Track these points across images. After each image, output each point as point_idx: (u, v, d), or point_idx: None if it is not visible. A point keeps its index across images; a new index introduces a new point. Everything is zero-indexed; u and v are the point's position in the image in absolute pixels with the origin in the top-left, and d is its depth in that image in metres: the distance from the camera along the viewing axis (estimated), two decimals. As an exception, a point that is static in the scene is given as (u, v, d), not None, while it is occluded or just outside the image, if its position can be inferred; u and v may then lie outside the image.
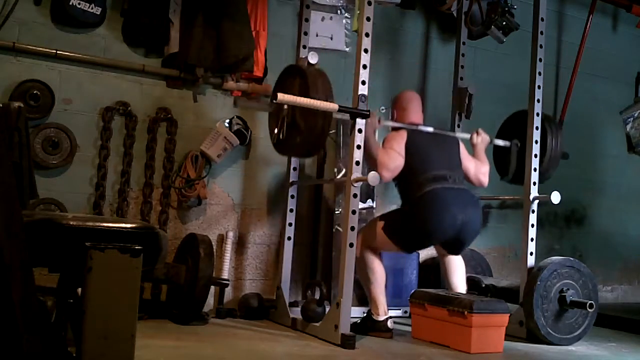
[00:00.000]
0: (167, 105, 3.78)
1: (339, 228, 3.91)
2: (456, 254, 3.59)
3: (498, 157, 4.16)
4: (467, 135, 3.90)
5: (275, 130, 3.28)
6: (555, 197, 3.57)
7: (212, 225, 3.90)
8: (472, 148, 3.84)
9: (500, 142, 4.02)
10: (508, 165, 3.99)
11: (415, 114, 3.70)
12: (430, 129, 3.65)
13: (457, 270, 3.61)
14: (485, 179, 3.76)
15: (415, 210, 3.41)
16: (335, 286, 3.82)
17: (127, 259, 1.59)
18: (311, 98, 3.11)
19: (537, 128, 3.71)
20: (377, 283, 3.43)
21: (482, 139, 3.85)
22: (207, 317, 3.50)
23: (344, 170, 3.55)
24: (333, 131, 4.19)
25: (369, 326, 3.38)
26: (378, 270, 3.44)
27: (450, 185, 3.45)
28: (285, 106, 3.19)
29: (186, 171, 3.75)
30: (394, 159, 3.43)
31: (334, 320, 3.07)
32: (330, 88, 3.23)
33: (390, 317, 3.41)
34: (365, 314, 3.47)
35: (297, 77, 3.30)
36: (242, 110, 3.97)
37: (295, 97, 3.10)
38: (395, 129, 3.62)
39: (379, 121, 3.54)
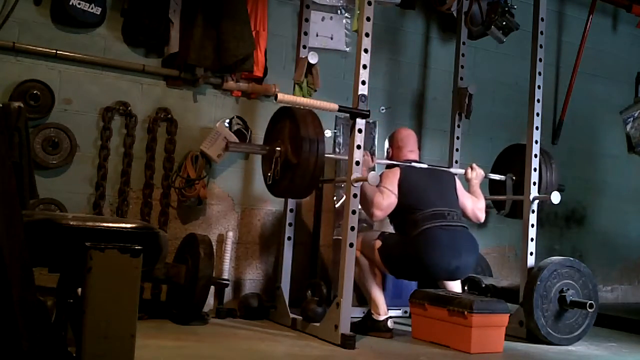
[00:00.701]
0: (167, 105, 3.78)
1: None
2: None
3: (494, 192, 4.17)
4: (461, 171, 3.90)
5: (269, 173, 3.30)
6: (555, 197, 3.57)
7: (212, 225, 3.90)
8: (467, 183, 3.83)
9: (495, 177, 4.03)
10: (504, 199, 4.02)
11: (410, 152, 3.69)
12: (424, 165, 3.64)
13: None
14: (482, 215, 3.73)
15: (410, 249, 3.35)
16: (335, 286, 3.83)
17: (127, 259, 1.58)
18: (302, 136, 3.13)
19: (537, 128, 3.71)
20: (375, 283, 3.43)
21: (476, 174, 3.84)
22: (207, 317, 3.50)
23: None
24: (334, 131, 4.20)
25: (369, 326, 3.38)
26: (376, 271, 3.45)
27: (448, 222, 3.39)
28: (278, 147, 3.22)
29: (186, 171, 3.75)
30: (387, 198, 3.39)
31: (334, 320, 3.07)
32: (319, 123, 3.23)
33: (390, 317, 3.41)
34: (365, 314, 3.47)
35: (287, 119, 3.30)
36: (242, 110, 3.98)
37: (295, 97, 3.10)
38: (389, 166, 3.63)
39: (372, 159, 3.56)
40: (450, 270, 3.39)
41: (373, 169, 3.67)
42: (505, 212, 4.07)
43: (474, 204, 3.70)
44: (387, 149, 3.79)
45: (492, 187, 4.17)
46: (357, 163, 3.13)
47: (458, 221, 3.47)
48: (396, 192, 3.42)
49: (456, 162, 4.21)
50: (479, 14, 4.16)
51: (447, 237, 3.36)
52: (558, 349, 3.39)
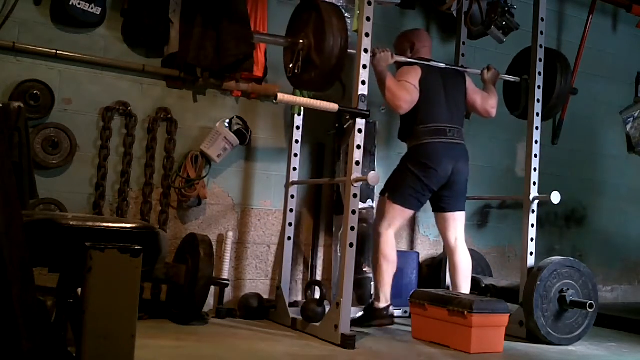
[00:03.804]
0: (167, 105, 3.78)
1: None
2: (457, 208, 3.66)
3: (508, 93, 4.20)
4: (477, 71, 3.94)
5: (290, 65, 3.30)
6: (555, 197, 3.57)
7: (212, 225, 3.90)
8: (483, 84, 3.90)
9: (510, 78, 4.06)
10: (518, 100, 4.02)
11: (428, 54, 3.80)
12: (442, 65, 3.71)
13: (464, 271, 3.63)
14: (493, 111, 3.86)
15: (409, 163, 3.58)
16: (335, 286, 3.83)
17: (127, 259, 1.58)
18: (326, 34, 3.14)
19: (537, 128, 3.71)
20: (386, 272, 3.49)
21: (492, 75, 3.91)
22: (207, 317, 3.51)
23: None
24: (333, 131, 4.19)
25: (370, 315, 3.40)
26: (391, 257, 3.51)
27: (447, 139, 3.57)
28: (301, 40, 3.21)
29: (186, 171, 3.75)
30: (412, 92, 3.52)
31: (334, 320, 3.07)
32: (345, 25, 3.23)
33: (391, 305, 3.43)
34: (367, 306, 3.51)
35: (313, 11, 3.29)
36: (242, 110, 3.97)
37: (295, 97, 3.10)
38: (406, 64, 3.66)
39: (391, 56, 3.56)
40: (447, 175, 3.56)
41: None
42: (518, 113, 4.07)
43: (485, 101, 3.82)
44: (413, 44, 3.80)
45: (507, 88, 4.21)
46: (357, 163, 3.13)
47: (458, 138, 3.62)
48: (419, 88, 3.54)
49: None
50: (479, 14, 4.15)
51: (444, 148, 3.55)
52: (558, 349, 3.39)
